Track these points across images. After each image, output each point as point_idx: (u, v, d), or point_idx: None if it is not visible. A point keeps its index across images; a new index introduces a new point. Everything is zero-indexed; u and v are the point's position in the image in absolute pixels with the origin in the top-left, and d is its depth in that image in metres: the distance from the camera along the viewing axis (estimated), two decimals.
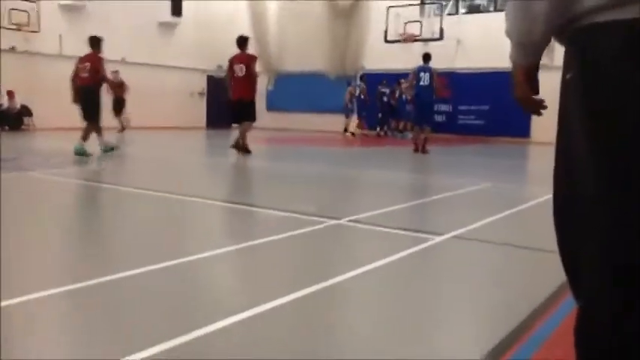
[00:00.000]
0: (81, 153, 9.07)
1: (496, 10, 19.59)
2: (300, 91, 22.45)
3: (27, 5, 17.43)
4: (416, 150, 11.81)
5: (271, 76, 23.00)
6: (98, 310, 2.54)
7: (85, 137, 9.30)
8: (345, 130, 19.13)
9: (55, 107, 15.95)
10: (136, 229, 4.43)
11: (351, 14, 20.37)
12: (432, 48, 19.36)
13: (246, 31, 21.97)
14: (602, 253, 1.13)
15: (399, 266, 3.38)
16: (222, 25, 23.16)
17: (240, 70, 10.01)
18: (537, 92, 1.39)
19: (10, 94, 16.89)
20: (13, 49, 17.21)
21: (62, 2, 18.05)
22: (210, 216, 5.11)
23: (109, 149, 9.72)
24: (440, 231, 4.24)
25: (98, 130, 9.54)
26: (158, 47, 21.22)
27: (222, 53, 23.40)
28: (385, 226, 4.46)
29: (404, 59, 19.90)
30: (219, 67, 23.77)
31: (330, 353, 2.18)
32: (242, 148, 10.01)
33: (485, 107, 18.85)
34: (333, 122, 20.64)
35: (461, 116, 19.45)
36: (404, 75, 18.69)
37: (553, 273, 3.29)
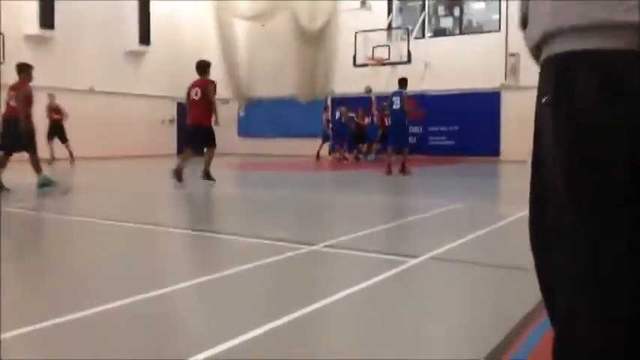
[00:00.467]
0: (46, 184, 8.56)
1: (461, 33, 20.00)
2: (271, 117, 22.50)
3: None
4: (388, 172, 11.89)
5: (242, 101, 23.04)
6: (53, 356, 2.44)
7: (37, 169, 8.61)
8: (329, 153, 19.08)
9: None
10: (97, 262, 4.32)
11: (320, 39, 20.58)
12: (401, 71, 19.60)
13: (215, 57, 22.09)
14: (567, 281, 1.13)
15: (376, 290, 3.35)
16: (191, 52, 23.15)
17: (195, 93, 9.72)
18: None
19: None
20: None
21: (27, 32, 17.85)
22: (180, 246, 5.02)
23: (47, 184, 8.64)
24: (415, 253, 4.23)
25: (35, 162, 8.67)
26: (127, 76, 21.11)
27: (191, 80, 23.44)
28: (361, 250, 4.44)
29: (373, 83, 20.14)
30: None
31: None
32: (207, 175, 9.64)
33: (455, 127, 19.12)
34: (306, 147, 20.67)
35: (431, 137, 19.67)
36: (377, 98, 18.89)
37: (529, 291, 3.30)
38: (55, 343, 2.51)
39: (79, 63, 19.29)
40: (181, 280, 3.48)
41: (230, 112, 21.95)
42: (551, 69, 1.16)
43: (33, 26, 17.79)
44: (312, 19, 20.47)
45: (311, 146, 19.94)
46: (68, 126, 17.08)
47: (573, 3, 1.11)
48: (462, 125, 18.89)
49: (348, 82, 20.33)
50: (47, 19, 18.12)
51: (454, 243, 4.70)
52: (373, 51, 19.21)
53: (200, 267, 4.12)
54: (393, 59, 19.02)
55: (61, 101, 18.29)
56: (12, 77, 9.68)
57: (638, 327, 1.05)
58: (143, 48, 21.48)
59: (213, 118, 9.72)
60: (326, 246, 4.56)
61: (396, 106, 11.93)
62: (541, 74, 1.21)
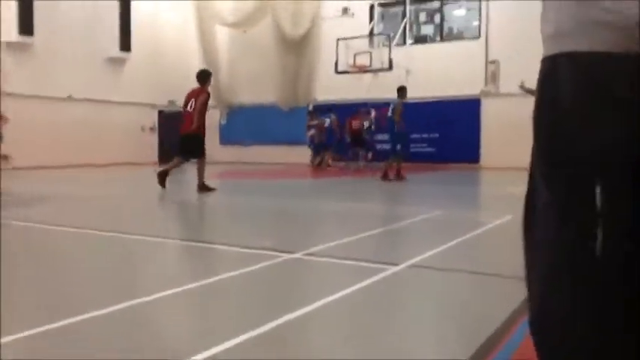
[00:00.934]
0: None
1: (442, 40, 20.17)
2: (253, 124, 22.43)
3: None
4: (383, 177, 12.39)
5: (223, 109, 22.99)
6: None
7: None
8: (319, 163, 18.91)
9: None
10: (79, 271, 4.28)
11: (301, 46, 20.65)
12: (382, 78, 19.77)
13: (196, 64, 22.05)
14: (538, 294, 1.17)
15: (356, 298, 3.36)
16: (172, 59, 23.13)
17: (190, 105, 9.83)
18: None
19: None
20: None
21: (6, 39, 17.65)
22: (160, 255, 4.99)
23: None
24: (395, 261, 4.24)
25: None
26: (107, 83, 20.96)
27: (172, 87, 23.42)
28: (341, 258, 4.44)
29: (355, 90, 20.23)
30: (171, 101, 23.64)
31: None
32: (202, 187, 9.70)
33: (436, 135, 19.24)
34: (288, 154, 20.70)
35: (412, 144, 19.73)
36: (358, 105, 18.96)
37: (508, 297, 3.33)
38: (38, 352, 2.48)
39: (58, 70, 19.13)
40: (162, 289, 3.46)
41: (212, 120, 21.85)
42: (540, 72, 1.17)
43: (12, 33, 17.59)
44: (294, 26, 20.53)
45: (294, 153, 19.95)
46: (45, 133, 16.87)
47: (561, 4, 1.11)
48: (442, 132, 19.02)
49: (330, 89, 20.40)
50: (26, 25, 17.95)
51: (433, 250, 4.72)
52: (355, 58, 19.31)
53: (180, 276, 4.10)
54: (374, 66, 19.14)
55: (40, 109, 18.15)
56: None
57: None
58: (124, 55, 21.34)
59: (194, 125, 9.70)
60: (306, 254, 4.57)
61: (390, 114, 12.44)
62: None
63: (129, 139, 21.63)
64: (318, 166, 18.56)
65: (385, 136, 19.27)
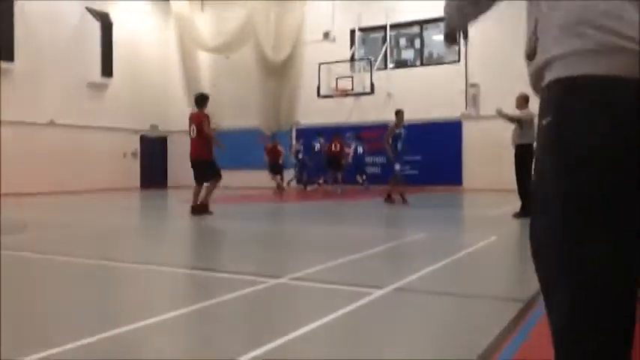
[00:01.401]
0: None
1: (423, 64, 20.44)
2: (235, 148, 22.34)
3: None
4: (387, 199, 12.40)
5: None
6: None
7: None
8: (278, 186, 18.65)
9: None
10: (62, 299, 4.20)
11: (283, 71, 20.77)
12: (364, 102, 19.95)
13: (178, 89, 22.06)
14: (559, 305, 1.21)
15: (342, 323, 3.33)
16: (154, 84, 23.16)
17: (192, 131, 10.06)
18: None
19: None
20: None
21: None
22: (140, 281, 4.93)
23: None
24: (380, 284, 4.23)
25: None
26: (89, 108, 20.85)
27: (154, 112, 23.44)
28: (327, 282, 4.42)
29: (338, 113, 20.36)
30: (153, 126, 23.59)
31: None
32: (202, 207, 9.83)
33: (418, 157, 19.35)
34: (268, 178, 20.62)
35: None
36: (338, 129, 19.05)
37: (493, 319, 3.33)
38: None
39: (39, 96, 19.02)
40: (147, 317, 3.40)
41: None
42: (553, 93, 1.22)
43: None
44: (276, 50, 20.67)
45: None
46: (27, 159, 16.74)
47: (577, 27, 1.17)
48: (424, 155, 19.13)
49: (312, 113, 20.51)
50: (7, 51, 17.86)
51: (418, 273, 4.72)
52: (337, 82, 19.46)
53: (165, 303, 4.04)
54: (356, 90, 19.31)
55: (21, 135, 18.00)
56: None
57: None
58: (105, 80, 21.29)
59: (214, 148, 10.14)
60: (292, 278, 4.54)
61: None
62: (542, 98, 1.27)
63: (111, 164, 21.49)
64: (278, 189, 18.18)
65: (377, 159, 19.51)
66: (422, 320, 3.53)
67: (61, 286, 4.70)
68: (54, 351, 2.77)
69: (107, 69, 21.16)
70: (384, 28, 20.54)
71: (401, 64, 20.90)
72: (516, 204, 9.08)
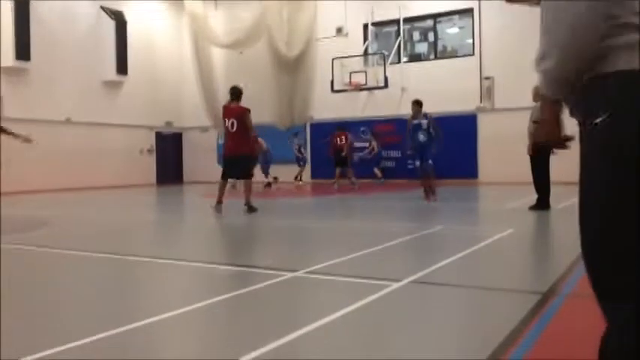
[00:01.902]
0: None
1: (436, 58, 20.33)
2: None
3: None
4: (426, 197, 11.89)
5: (220, 130, 23.02)
6: None
7: None
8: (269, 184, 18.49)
9: None
10: (74, 294, 4.27)
11: (297, 66, 20.76)
12: (378, 96, 19.90)
13: (193, 85, 22.14)
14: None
15: (360, 315, 3.36)
16: (168, 81, 23.30)
17: (231, 125, 9.83)
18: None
19: None
20: None
21: (3, 64, 17.70)
22: (160, 276, 4.98)
23: None
24: (397, 277, 4.25)
25: None
26: (104, 106, 21.03)
27: (169, 109, 23.58)
28: (343, 276, 4.45)
29: (352, 108, 20.34)
30: (168, 123, 23.74)
31: None
32: (251, 208, 9.68)
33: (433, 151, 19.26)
34: (285, 172, 20.69)
35: (410, 160, 19.79)
36: (352, 124, 19.05)
37: (510, 311, 3.34)
38: None
39: (55, 94, 19.20)
40: (164, 311, 3.45)
41: (209, 140, 21.98)
42: (609, 85, 1.16)
43: (9, 58, 17.66)
44: (290, 46, 20.65)
45: (289, 172, 19.93)
46: (44, 157, 16.92)
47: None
48: (440, 148, 19.01)
49: (326, 107, 20.50)
50: (23, 50, 18.04)
51: (435, 266, 4.73)
52: (350, 77, 19.42)
53: (181, 297, 4.09)
54: (370, 84, 19.24)
55: (38, 133, 18.18)
56: None
57: None
58: (120, 78, 21.44)
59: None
60: (308, 272, 4.57)
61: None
62: (590, 93, 1.20)
63: (127, 161, 21.68)
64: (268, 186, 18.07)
65: (392, 153, 19.50)
66: (439, 313, 3.54)
67: (74, 279, 4.77)
68: (62, 348, 2.82)
69: (122, 67, 21.31)
70: (397, 22, 20.45)
71: (414, 57, 20.79)
72: (532, 197, 9.03)
